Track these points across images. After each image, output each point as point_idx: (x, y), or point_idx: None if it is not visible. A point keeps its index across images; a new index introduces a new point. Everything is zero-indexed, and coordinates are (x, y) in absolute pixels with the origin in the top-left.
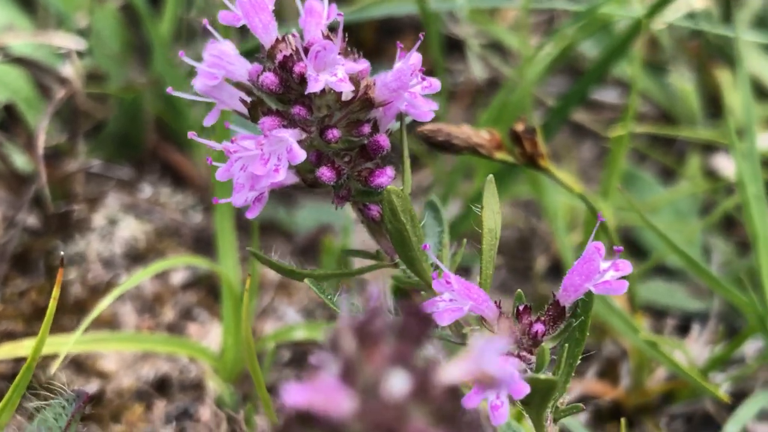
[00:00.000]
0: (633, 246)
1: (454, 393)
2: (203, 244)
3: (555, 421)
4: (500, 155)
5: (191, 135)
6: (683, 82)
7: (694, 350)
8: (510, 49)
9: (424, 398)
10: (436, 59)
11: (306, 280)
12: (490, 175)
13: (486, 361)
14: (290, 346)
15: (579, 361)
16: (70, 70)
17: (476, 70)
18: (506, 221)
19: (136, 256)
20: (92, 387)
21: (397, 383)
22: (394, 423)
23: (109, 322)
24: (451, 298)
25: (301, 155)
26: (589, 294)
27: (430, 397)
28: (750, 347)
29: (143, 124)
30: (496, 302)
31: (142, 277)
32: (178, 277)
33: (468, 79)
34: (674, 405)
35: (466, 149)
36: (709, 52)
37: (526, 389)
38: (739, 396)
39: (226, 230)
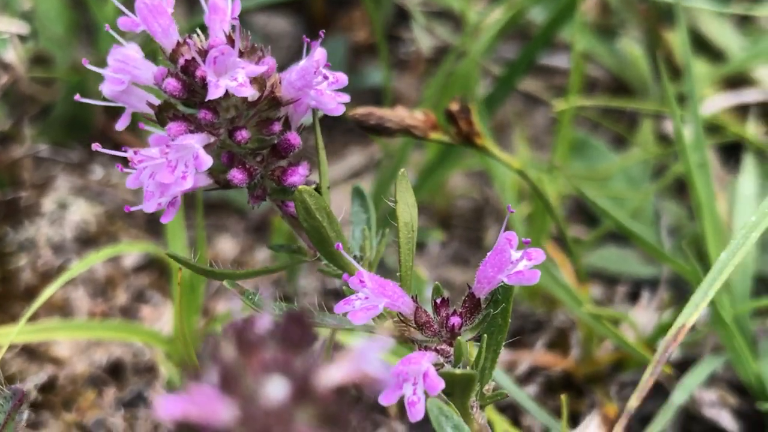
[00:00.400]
0: (587, 214)
1: (341, 395)
2: (156, 225)
3: (482, 407)
4: (435, 135)
5: (95, 147)
6: (633, 46)
7: (644, 317)
8: (460, 18)
9: (307, 402)
10: (378, 34)
11: (224, 282)
12: (402, 169)
13: (366, 363)
14: None
15: (501, 349)
16: (12, 55)
17: (422, 40)
18: (460, 192)
19: (87, 240)
20: (44, 374)
21: (276, 389)
22: (276, 429)
23: (61, 308)
24: (366, 296)
25: (207, 162)
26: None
27: (314, 401)
28: (702, 314)
29: (91, 106)
30: (412, 297)
31: (89, 264)
32: (130, 260)
33: (419, 48)
34: (624, 373)
35: (400, 131)
36: (659, 15)
37: (441, 384)
38: (688, 363)
39: None
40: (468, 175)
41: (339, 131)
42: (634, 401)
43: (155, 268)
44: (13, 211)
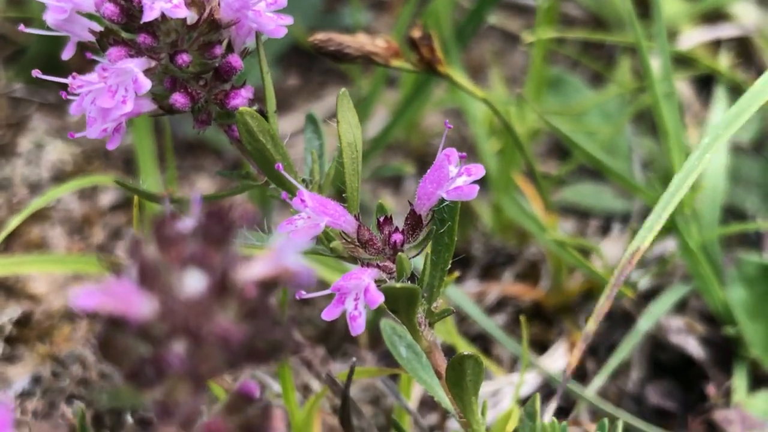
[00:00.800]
0: (564, 150)
1: (263, 291)
2: (133, 164)
3: (431, 325)
4: (397, 62)
5: (35, 73)
6: None
7: (613, 249)
8: None
9: (227, 297)
10: None
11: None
12: (343, 89)
13: (286, 258)
14: None
15: (450, 265)
16: None
17: None
18: (436, 130)
19: (64, 179)
20: (20, 309)
21: (194, 282)
22: (196, 322)
23: (39, 245)
24: (309, 216)
25: (146, 85)
26: (455, 201)
27: (235, 295)
28: (669, 245)
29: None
30: (355, 216)
31: (59, 194)
32: (106, 199)
33: None
34: (593, 303)
35: (360, 58)
36: None
37: (380, 298)
38: (656, 292)
39: (145, 150)
40: (444, 113)
41: (316, 72)
42: (591, 324)
43: (132, 207)
44: None
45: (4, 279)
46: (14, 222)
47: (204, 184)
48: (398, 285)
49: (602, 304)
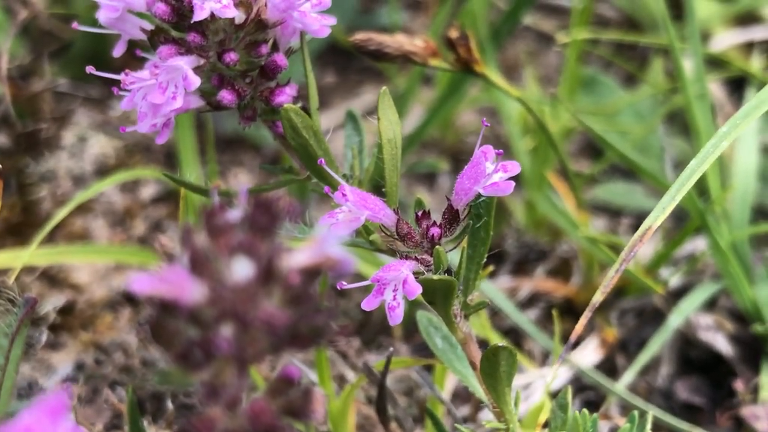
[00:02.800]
0: (596, 149)
1: (307, 279)
2: (174, 159)
3: (466, 317)
4: (435, 62)
5: (89, 70)
6: None
7: (645, 247)
8: None
9: (272, 283)
10: None
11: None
12: (384, 87)
13: (328, 247)
14: None
15: (485, 259)
16: None
17: None
18: (470, 128)
19: (106, 172)
20: (63, 297)
21: (241, 269)
22: (243, 307)
23: (81, 236)
24: (349, 209)
25: (195, 82)
26: (491, 197)
27: (280, 282)
28: (700, 244)
29: (110, 41)
30: (394, 210)
31: (103, 187)
32: (148, 192)
33: None
34: (624, 300)
35: (399, 57)
36: None
37: (418, 289)
38: (687, 290)
39: (187, 145)
40: (478, 112)
41: (353, 70)
42: (598, 295)
43: (172, 200)
44: (33, 143)
45: (48, 269)
46: (60, 214)
47: (244, 179)
48: (436, 277)
49: (611, 277)
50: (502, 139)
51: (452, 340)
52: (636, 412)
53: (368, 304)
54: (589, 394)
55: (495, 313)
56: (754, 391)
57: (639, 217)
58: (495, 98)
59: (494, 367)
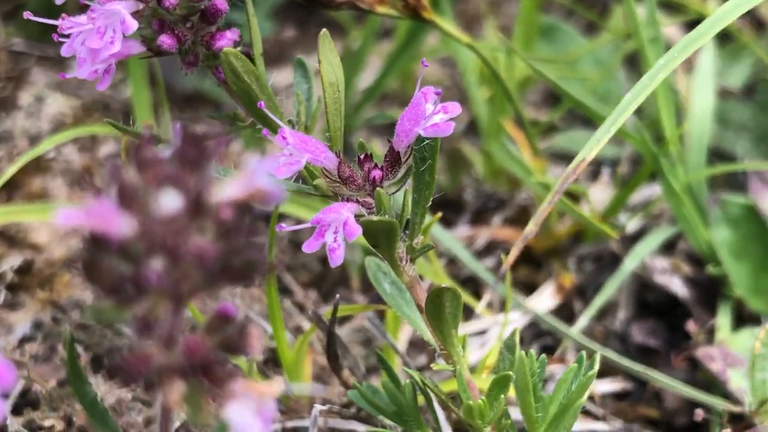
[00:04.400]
0: (558, 97)
1: (237, 213)
2: (132, 117)
3: (412, 260)
4: (382, 9)
5: (27, 15)
6: None
7: (603, 194)
8: None
9: (202, 217)
10: None
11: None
12: (324, 30)
13: (257, 179)
14: None
15: (429, 203)
16: None
17: None
18: (431, 80)
19: (63, 132)
20: (21, 257)
21: (170, 201)
22: (173, 240)
23: (40, 196)
24: (291, 153)
25: (133, 25)
26: (435, 139)
27: (210, 217)
28: (657, 189)
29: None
30: (336, 153)
31: (57, 142)
32: (106, 150)
33: None
34: (582, 246)
35: (346, 4)
36: None
37: (358, 230)
38: (645, 235)
39: (143, 102)
40: (438, 63)
41: (313, 24)
42: (531, 226)
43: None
44: None
45: (6, 228)
46: (12, 169)
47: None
48: (375, 218)
49: (543, 209)
50: (461, 88)
51: (401, 285)
52: (584, 353)
53: (309, 247)
54: (546, 340)
55: (452, 262)
56: (711, 332)
57: (598, 164)
58: (453, 48)
59: (439, 309)
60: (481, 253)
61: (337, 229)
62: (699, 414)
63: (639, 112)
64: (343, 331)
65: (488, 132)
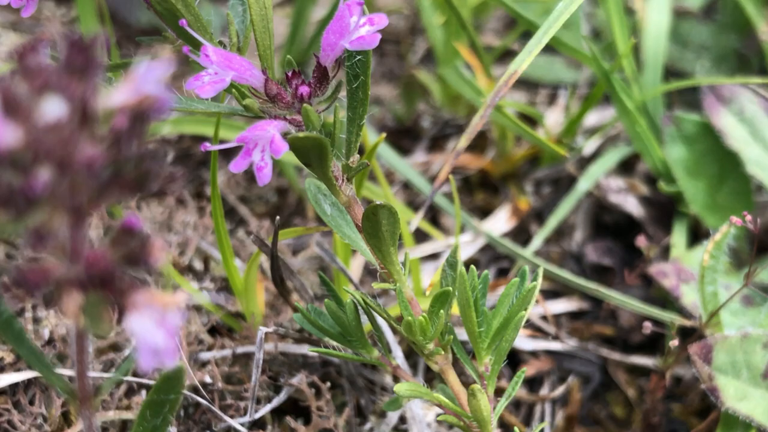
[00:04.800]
0: (515, 23)
1: (131, 122)
2: None
3: (348, 179)
4: None
5: None
6: None
7: (561, 117)
8: None
9: (90, 125)
10: None
11: None
12: None
13: (146, 84)
14: (173, 145)
15: (363, 122)
16: None
17: None
18: (392, 6)
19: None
20: None
21: (53, 108)
22: (60, 148)
23: None
24: (215, 72)
25: None
26: (366, 54)
27: (100, 125)
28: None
29: None
30: (262, 70)
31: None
32: None
33: None
34: (539, 170)
35: None
36: None
37: (284, 147)
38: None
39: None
40: None
41: None
42: (463, 142)
43: None
44: None
45: None
46: None
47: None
48: (301, 134)
49: (476, 122)
50: (421, 17)
51: (341, 206)
52: (527, 267)
53: (236, 166)
54: (503, 263)
55: (407, 188)
56: (667, 251)
57: (556, 88)
58: None
59: (376, 227)
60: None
61: (264, 148)
62: (647, 327)
63: (597, 36)
64: (297, 260)
65: (443, 58)
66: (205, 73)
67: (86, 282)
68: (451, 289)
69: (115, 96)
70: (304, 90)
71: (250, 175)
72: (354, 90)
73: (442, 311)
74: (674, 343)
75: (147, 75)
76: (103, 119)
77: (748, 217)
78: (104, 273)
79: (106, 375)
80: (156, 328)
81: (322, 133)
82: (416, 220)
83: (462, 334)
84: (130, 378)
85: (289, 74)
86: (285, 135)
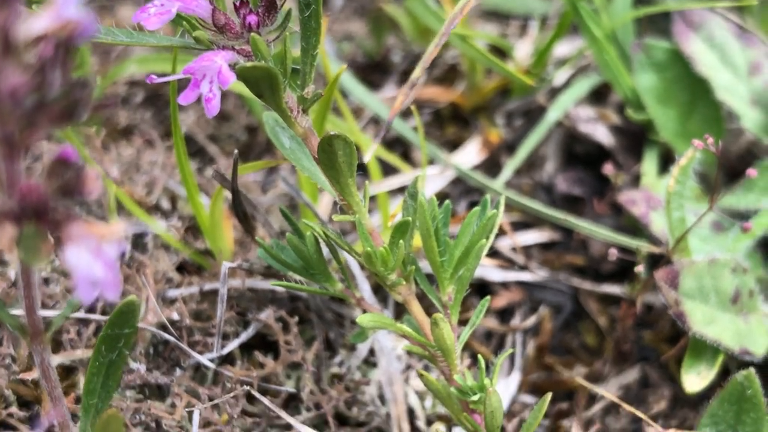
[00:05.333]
0: None
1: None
2: None
3: (304, 111)
4: None
5: None
6: None
7: (527, 47)
8: None
9: (12, 54)
10: None
11: None
12: None
13: (68, 9)
14: (143, 86)
15: (317, 52)
16: None
17: None
18: None
19: None
20: None
21: None
22: None
23: None
24: (162, 3)
25: None
26: None
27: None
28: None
29: None
30: (209, 0)
31: None
32: None
33: None
34: (510, 101)
35: None
36: None
37: (232, 77)
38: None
39: None
40: None
41: None
42: (418, 71)
43: None
44: None
45: None
46: None
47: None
48: (249, 64)
49: (431, 51)
50: None
51: (300, 139)
52: (488, 196)
53: (185, 98)
54: (474, 196)
55: (378, 123)
56: (637, 179)
57: (527, 20)
58: None
59: (332, 158)
60: (408, 114)
61: (212, 79)
62: (613, 253)
63: None
64: (266, 198)
65: None
66: (151, 5)
67: (20, 214)
68: (411, 219)
69: (36, 23)
70: (252, 19)
71: (219, 114)
72: (306, 20)
73: (402, 241)
74: (639, 268)
75: (68, 0)
76: (26, 47)
77: (710, 140)
78: (38, 205)
79: (55, 312)
80: (93, 259)
81: (273, 64)
82: (372, 148)
83: (427, 267)
84: (98, 316)
85: (237, 3)
86: (234, 66)
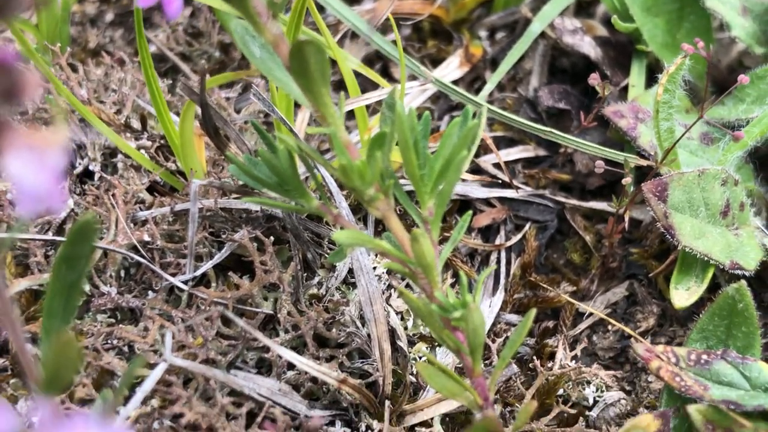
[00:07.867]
0: None
1: None
2: None
3: (274, 17)
4: None
5: None
6: None
7: None
8: None
9: None
10: None
11: None
12: None
13: None
14: (112, 4)
15: None
16: None
17: None
18: None
19: None
20: None
21: None
22: None
23: None
24: None
25: None
26: None
27: None
28: None
29: None
30: None
31: None
32: None
33: None
34: (493, 14)
35: None
36: None
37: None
38: None
39: None
40: None
41: None
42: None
43: None
44: None
45: None
46: None
47: None
48: None
49: None
50: None
51: (271, 48)
52: (470, 107)
53: (143, 1)
54: (456, 113)
55: (355, 37)
56: (625, 92)
57: None
58: None
59: (304, 66)
60: (387, 29)
61: None
62: (600, 165)
63: None
64: (240, 117)
65: None
66: None
67: None
68: (387, 130)
69: None
70: None
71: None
72: None
73: (379, 153)
74: (627, 180)
75: None
76: None
77: (701, 44)
78: None
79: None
80: (36, 169)
81: None
82: (353, 61)
83: (408, 185)
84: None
85: None
86: None
